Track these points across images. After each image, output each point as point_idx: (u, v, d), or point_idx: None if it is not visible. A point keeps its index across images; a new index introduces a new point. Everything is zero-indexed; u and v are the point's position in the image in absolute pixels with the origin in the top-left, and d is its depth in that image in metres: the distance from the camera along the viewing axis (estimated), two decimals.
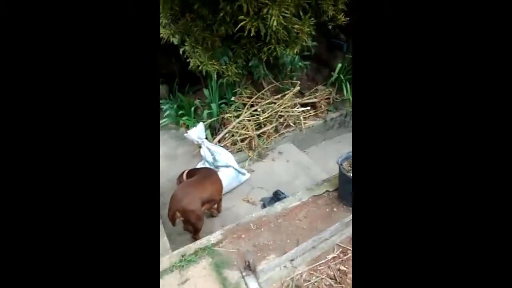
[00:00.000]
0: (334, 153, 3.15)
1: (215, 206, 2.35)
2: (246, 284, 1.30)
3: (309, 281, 1.61)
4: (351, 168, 2.15)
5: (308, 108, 3.34)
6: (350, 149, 2.29)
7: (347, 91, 3.39)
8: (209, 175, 2.23)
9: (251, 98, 3.13)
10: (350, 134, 3.35)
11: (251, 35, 2.34)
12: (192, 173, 2.26)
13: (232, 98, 3.10)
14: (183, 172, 2.30)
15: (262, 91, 3.20)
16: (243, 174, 2.67)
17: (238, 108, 3.09)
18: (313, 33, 2.73)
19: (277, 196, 2.51)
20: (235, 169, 2.60)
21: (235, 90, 3.16)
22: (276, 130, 3.13)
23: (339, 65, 3.41)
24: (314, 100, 3.40)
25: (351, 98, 3.41)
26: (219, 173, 2.50)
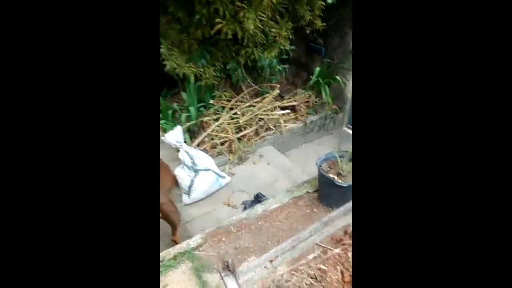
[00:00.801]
0: (314, 155, 3.19)
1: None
2: (225, 285, 1.28)
3: (290, 281, 1.61)
4: (330, 169, 2.18)
5: (288, 111, 3.37)
6: (330, 150, 2.33)
7: (326, 94, 3.45)
8: (161, 166, 2.23)
9: (230, 101, 3.13)
10: (330, 137, 3.43)
11: (228, 38, 2.34)
12: None
13: (211, 101, 3.08)
14: None
15: (241, 94, 3.21)
16: (224, 177, 2.64)
17: (217, 111, 3.07)
18: (291, 37, 2.77)
19: (258, 199, 2.50)
20: (215, 173, 2.57)
21: (213, 93, 3.14)
22: (257, 133, 3.13)
23: (318, 68, 3.48)
24: (294, 103, 3.44)
25: (330, 101, 3.47)
26: (198, 176, 2.47)
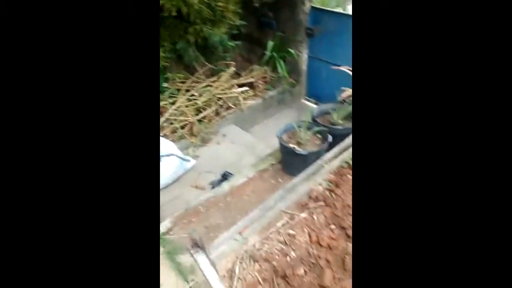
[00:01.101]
0: (276, 129, 3.23)
1: None
2: (196, 261, 1.30)
3: (262, 249, 1.67)
4: (290, 139, 2.25)
5: (246, 88, 3.36)
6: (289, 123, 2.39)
7: (281, 68, 3.47)
8: None
9: (185, 82, 3.03)
10: (290, 110, 3.49)
11: (173, 15, 2.24)
12: None
13: (165, 85, 2.96)
14: None
15: (196, 75, 3.12)
16: (188, 160, 2.61)
17: (173, 94, 2.97)
18: (240, 11, 2.71)
19: (225, 178, 2.52)
20: (179, 157, 2.53)
21: (166, 76, 3.02)
22: (217, 113, 3.10)
23: (271, 43, 3.47)
24: (251, 80, 3.43)
25: (286, 75, 3.51)
26: (161, 163, 2.42)
